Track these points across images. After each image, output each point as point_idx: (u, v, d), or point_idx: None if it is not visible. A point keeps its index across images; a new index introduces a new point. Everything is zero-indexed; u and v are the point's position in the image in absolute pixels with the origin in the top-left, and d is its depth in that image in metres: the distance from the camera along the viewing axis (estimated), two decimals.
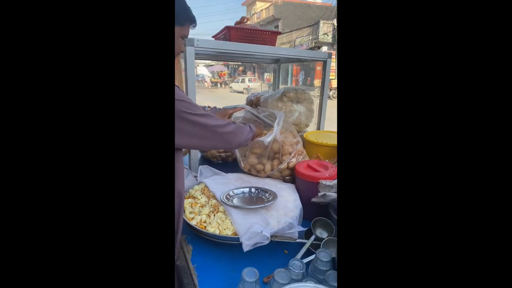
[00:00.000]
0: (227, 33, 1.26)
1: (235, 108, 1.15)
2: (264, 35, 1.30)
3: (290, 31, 17.10)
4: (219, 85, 21.15)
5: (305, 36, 15.42)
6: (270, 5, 20.85)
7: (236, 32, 1.24)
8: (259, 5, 23.65)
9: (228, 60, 2.36)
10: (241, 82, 16.67)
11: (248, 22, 1.43)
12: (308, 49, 14.82)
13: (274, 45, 1.35)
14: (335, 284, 0.57)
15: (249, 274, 0.59)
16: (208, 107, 2.23)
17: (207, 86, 20.05)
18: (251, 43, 1.26)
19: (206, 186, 1.02)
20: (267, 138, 1.04)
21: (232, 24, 1.32)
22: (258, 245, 0.75)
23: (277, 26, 20.66)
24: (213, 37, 1.46)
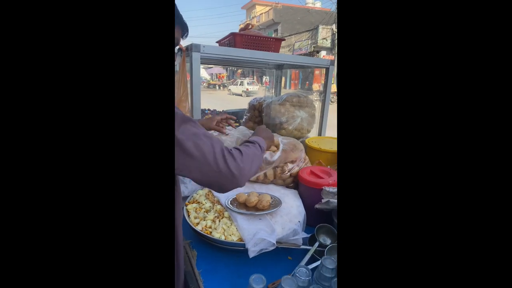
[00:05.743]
0: (232, 39, 1.27)
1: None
2: (268, 41, 1.32)
3: (289, 35, 17.23)
4: (217, 87, 21.14)
5: (304, 40, 15.55)
6: (269, 9, 21.03)
7: (241, 38, 1.25)
8: (259, 9, 23.82)
9: (232, 65, 2.37)
10: (239, 84, 16.69)
11: (253, 28, 1.44)
12: (307, 53, 14.94)
13: (278, 51, 1.37)
14: None
15: (257, 281, 0.59)
16: (208, 110, 2.24)
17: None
18: (256, 49, 1.28)
19: (210, 191, 1.02)
20: (274, 157, 1.04)
21: (234, 27, 1.33)
22: (263, 251, 0.76)
23: (276, 30, 20.81)
24: (217, 42, 1.47)
